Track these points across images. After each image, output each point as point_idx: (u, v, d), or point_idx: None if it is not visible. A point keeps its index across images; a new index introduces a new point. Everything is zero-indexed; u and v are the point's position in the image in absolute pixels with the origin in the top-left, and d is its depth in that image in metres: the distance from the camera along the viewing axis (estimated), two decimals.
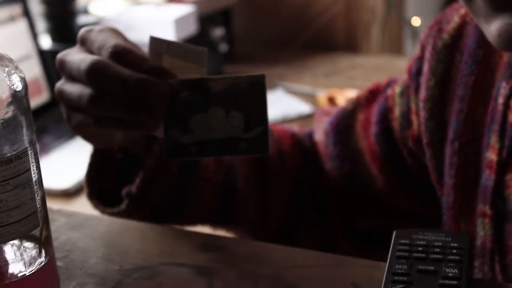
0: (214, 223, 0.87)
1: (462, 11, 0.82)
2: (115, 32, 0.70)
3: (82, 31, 0.71)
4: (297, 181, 0.92)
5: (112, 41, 0.67)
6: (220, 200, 0.84)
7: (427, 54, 0.83)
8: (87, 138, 0.75)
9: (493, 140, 0.77)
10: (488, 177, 0.76)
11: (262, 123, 0.66)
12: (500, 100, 0.76)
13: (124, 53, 0.66)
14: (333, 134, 0.93)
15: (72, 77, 0.69)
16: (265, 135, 0.66)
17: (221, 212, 0.85)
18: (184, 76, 0.67)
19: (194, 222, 0.84)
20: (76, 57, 0.69)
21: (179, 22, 1.77)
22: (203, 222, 0.86)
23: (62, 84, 0.71)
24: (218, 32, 1.97)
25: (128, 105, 0.66)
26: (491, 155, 0.76)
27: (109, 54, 0.66)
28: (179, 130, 0.67)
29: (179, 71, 0.68)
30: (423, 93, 0.83)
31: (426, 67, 0.83)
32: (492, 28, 0.66)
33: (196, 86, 0.67)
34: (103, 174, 0.80)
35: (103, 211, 0.78)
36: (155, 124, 0.67)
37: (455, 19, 0.82)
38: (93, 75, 0.66)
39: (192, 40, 1.88)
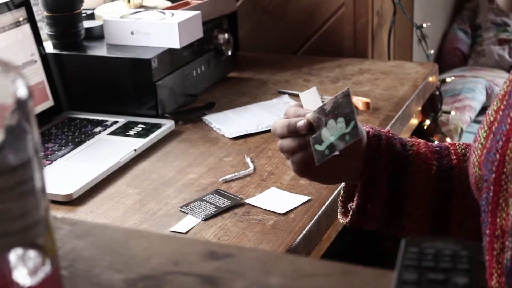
0: (430, 231, 1.09)
1: None
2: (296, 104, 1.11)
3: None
4: None
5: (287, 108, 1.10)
6: (430, 219, 1.08)
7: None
8: (311, 178, 1.13)
9: None
10: None
11: (353, 118, 1.03)
12: None
13: (288, 110, 1.09)
14: None
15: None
16: (356, 125, 1.03)
17: (434, 225, 1.08)
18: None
19: (414, 231, 1.09)
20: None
21: (183, 26, 1.77)
22: (420, 231, 1.09)
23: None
24: (223, 36, 1.97)
25: (295, 139, 1.05)
26: None
27: (284, 114, 1.10)
28: (317, 143, 1.03)
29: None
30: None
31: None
32: None
33: (319, 112, 1.05)
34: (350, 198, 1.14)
35: (343, 221, 1.14)
36: (309, 145, 1.04)
37: None
38: (273, 131, 1.08)
39: (197, 45, 1.88)
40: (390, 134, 1.09)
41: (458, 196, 1.06)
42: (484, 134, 0.95)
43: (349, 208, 1.12)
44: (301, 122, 1.03)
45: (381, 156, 1.06)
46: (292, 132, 1.04)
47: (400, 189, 1.07)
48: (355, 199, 1.10)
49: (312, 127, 1.04)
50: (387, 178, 1.07)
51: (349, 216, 1.11)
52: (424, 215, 1.08)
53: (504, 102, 0.94)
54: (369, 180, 1.07)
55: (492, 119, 0.95)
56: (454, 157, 1.08)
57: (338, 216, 1.16)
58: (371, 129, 1.09)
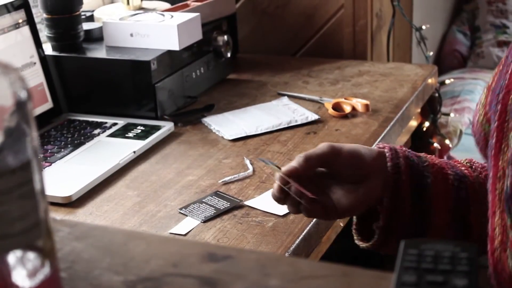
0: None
1: None
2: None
3: None
4: None
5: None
6: (453, 227, 1.09)
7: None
8: (338, 217, 1.22)
9: None
10: None
11: None
12: None
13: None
14: None
15: None
16: None
17: (457, 235, 1.09)
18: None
19: None
20: None
21: (183, 28, 1.77)
22: None
23: None
24: (222, 38, 1.97)
25: (287, 202, 1.07)
26: None
27: None
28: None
29: None
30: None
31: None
32: None
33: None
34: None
35: (364, 246, 1.12)
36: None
37: None
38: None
39: (196, 46, 1.88)
40: (403, 148, 1.10)
41: (475, 203, 1.08)
42: (484, 96, 1.01)
43: (375, 228, 1.09)
44: (273, 192, 1.07)
45: (401, 169, 1.06)
46: (277, 200, 1.08)
47: (423, 200, 1.07)
48: (380, 217, 1.08)
49: (284, 190, 1.06)
50: (410, 190, 1.07)
51: (375, 236, 1.09)
52: (448, 225, 1.08)
53: (501, 65, 0.99)
54: (393, 195, 1.06)
55: (491, 82, 1.00)
56: (464, 168, 1.11)
57: (357, 242, 1.14)
58: (386, 145, 1.09)
